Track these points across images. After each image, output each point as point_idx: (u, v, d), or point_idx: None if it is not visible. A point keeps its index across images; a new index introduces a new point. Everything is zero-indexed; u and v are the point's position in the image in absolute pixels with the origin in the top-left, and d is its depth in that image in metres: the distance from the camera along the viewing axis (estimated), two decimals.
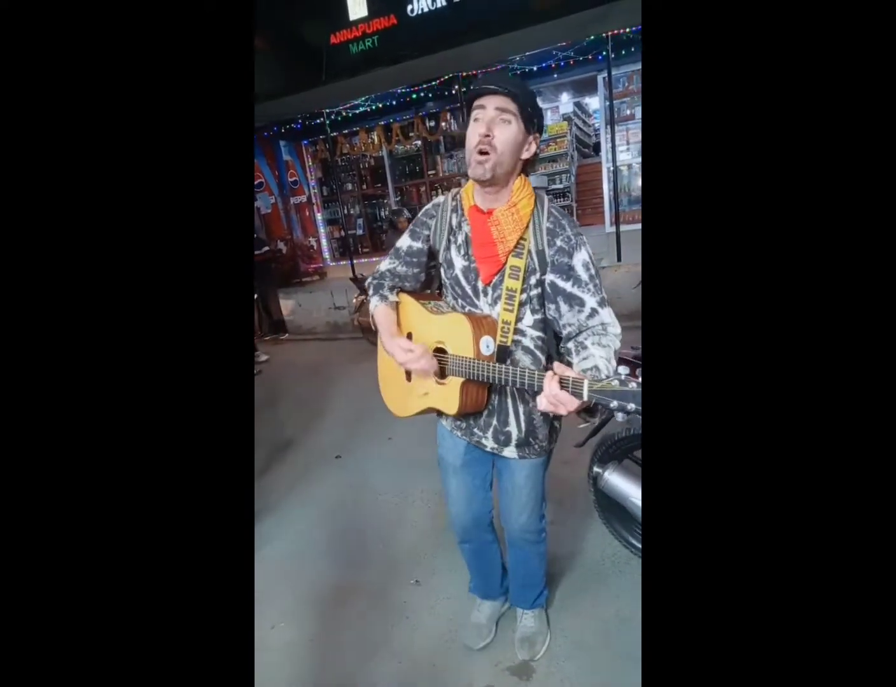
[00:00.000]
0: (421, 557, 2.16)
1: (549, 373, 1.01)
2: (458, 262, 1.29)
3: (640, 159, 6.16)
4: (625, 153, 6.20)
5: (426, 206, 1.36)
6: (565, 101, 9.04)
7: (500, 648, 1.67)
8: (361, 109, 7.15)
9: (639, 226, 5.89)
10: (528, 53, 5.87)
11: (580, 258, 1.20)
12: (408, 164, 7.88)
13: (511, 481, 1.43)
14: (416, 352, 1.25)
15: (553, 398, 0.99)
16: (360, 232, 8.36)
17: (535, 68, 6.21)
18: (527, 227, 1.21)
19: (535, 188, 1.25)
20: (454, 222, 1.30)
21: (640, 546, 1.93)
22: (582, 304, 1.19)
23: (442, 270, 1.35)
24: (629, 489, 1.80)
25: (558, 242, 1.20)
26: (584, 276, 1.19)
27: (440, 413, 1.43)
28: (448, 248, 1.31)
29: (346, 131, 7.65)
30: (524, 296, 1.23)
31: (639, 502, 1.77)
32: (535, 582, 1.66)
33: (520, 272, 1.20)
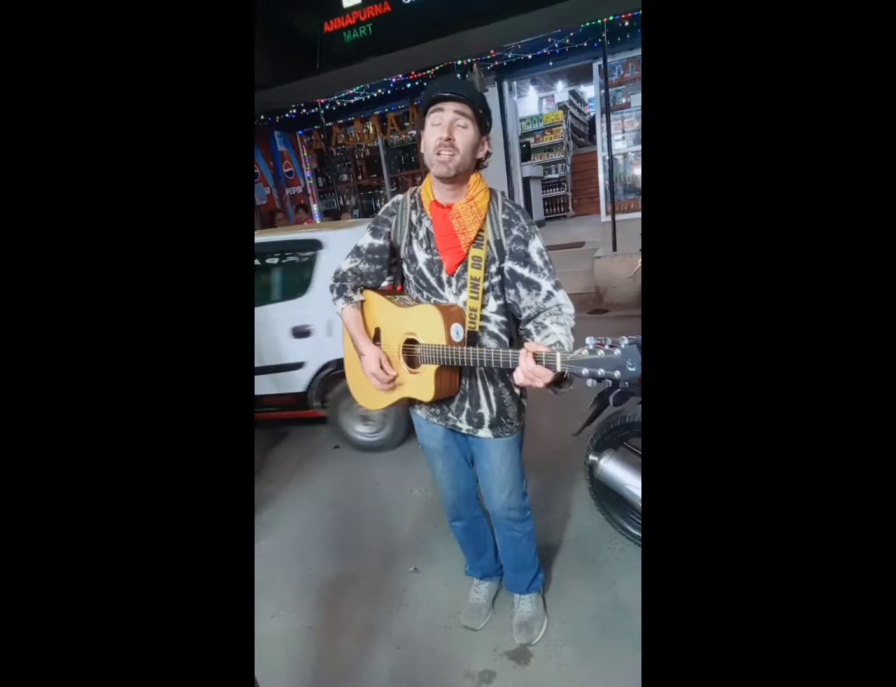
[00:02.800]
0: (419, 544, 2.18)
1: (524, 351, 1.08)
2: (422, 256, 1.35)
3: (635, 148, 6.14)
4: (620, 142, 6.17)
5: (385, 205, 1.42)
6: (560, 90, 8.99)
7: (498, 634, 1.70)
8: (356, 99, 7.09)
9: (634, 215, 5.89)
10: (523, 41, 5.82)
11: (535, 246, 1.30)
12: (403, 154, 7.82)
13: (488, 462, 1.49)
14: (390, 375, 1.35)
15: (530, 373, 1.07)
16: None
17: (529, 56, 6.17)
18: (484, 219, 1.29)
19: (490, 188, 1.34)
20: (414, 218, 1.36)
21: (636, 533, 1.96)
22: (539, 287, 1.29)
23: (405, 265, 1.40)
24: (625, 477, 1.81)
25: (514, 232, 1.29)
26: (539, 262, 1.29)
27: (413, 403, 1.48)
28: (410, 244, 1.37)
29: (342, 121, 7.59)
30: (486, 283, 1.31)
31: (634, 490, 1.79)
32: (527, 564, 1.69)
33: (481, 262, 1.29)
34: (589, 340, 1.01)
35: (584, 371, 1.01)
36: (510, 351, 1.14)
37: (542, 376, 1.07)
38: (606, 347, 0.99)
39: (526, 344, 1.11)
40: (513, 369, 1.12)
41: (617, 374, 0.98)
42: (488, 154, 1.30)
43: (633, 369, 0.96)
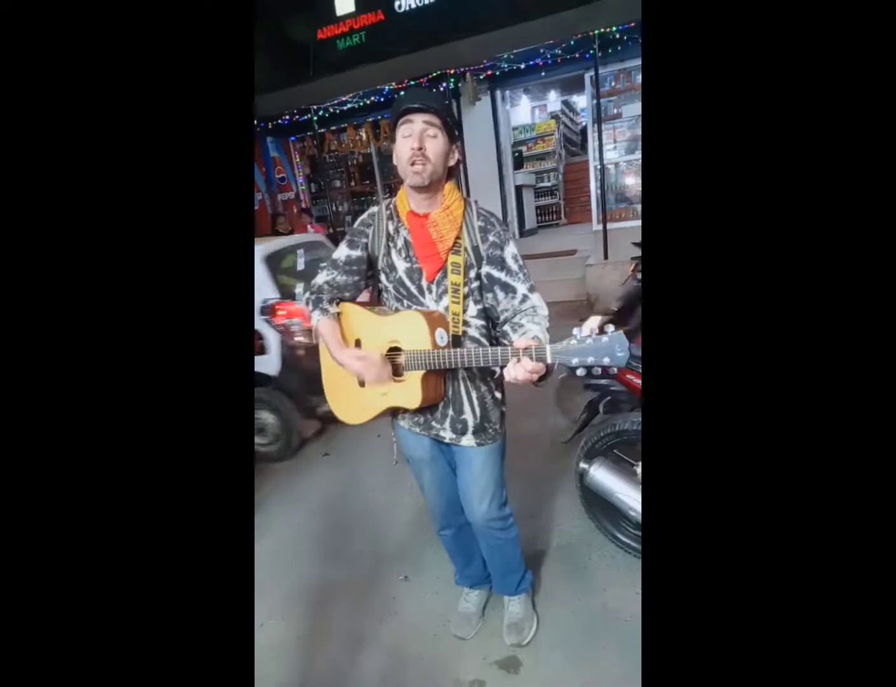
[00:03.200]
0: (409, 552, 2.17)
1: (513, 347, 1.12)
2: (401, 265, 1.37)
3: (626, 158, 6.19)
4: (612, 152, 6.22)
5: (361, 217, 1.45)
6: (553, 100, 9.05)
7: (488, 642, 1.69)
8: (349, 106, 7.10)
9: (625, 224, 5.93)
10: (515, 51, 5.87)
11: (510, 251, 1.35)
12: None
13: (469, 471, 1.49)
14: (370, 359, 1.33)
15: (521, 367, 1.10)
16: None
17: (522, 66, 6.21)
18: (461, 227, 1.34)
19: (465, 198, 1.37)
20: (391, 229, 1.39)
21: (626, 540, 1.96)
22: (515, 291, 1.34)
23: (383, 275, 1.42)
24: (615, 484, 1.82)
25: (490, 238, 1.34)
26: (514, 266, 1.34)
27: (395, 414, 1.49)
28: (388, 254, 1.40)
29: (334, 128, 7.59)
30: (466, 289, 1.35)
31: (624, 497, 1.80)
32: (513, 567, 1.70)
33: (460, 267, 1.33)
34: (576, 331, 1.04)
35: (574, 360, 1.03)
36: (499, 348, 1.17)
37: (536, 370, 1.09)
38: (594, 335, 1.02)
39: (514, 342, 1.14)
40: (502, 367, 1.14)
41: (606, 360, 1.00)
42: (459, 162, 1.36)
43: (621, 355, 0.99)
